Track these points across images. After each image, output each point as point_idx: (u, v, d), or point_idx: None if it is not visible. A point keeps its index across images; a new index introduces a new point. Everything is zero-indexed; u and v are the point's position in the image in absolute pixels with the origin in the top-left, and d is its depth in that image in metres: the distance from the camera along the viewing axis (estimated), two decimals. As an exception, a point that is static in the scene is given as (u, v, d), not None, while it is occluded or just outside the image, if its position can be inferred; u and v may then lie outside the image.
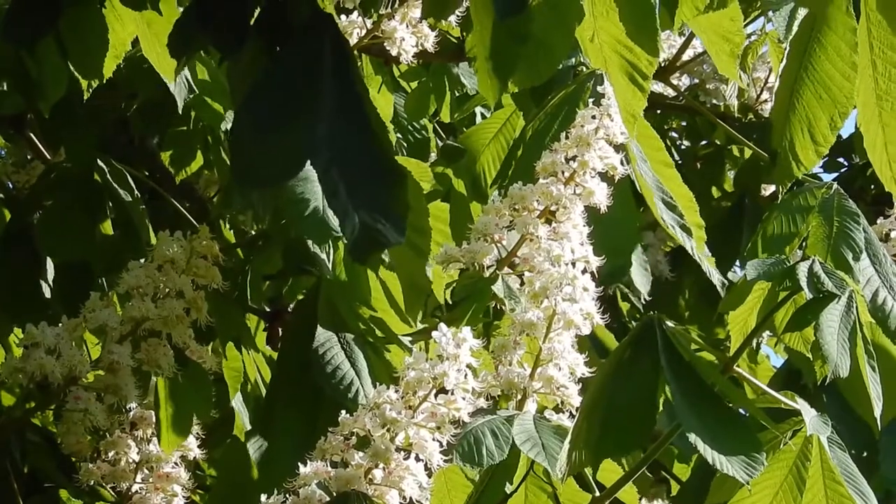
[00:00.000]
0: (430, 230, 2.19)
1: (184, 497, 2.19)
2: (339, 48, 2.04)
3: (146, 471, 2.19)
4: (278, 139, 1.96)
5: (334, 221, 1.85)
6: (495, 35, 1.93)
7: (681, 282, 3.63)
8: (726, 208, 3.58)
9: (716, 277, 2.39)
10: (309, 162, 1.91)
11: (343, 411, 1.85)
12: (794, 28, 2.10)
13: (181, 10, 2.23)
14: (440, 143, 2.91)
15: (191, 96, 2.55)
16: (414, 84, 2.83)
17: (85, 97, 2.43)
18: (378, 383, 1.87)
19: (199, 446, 2.22)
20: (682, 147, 3.78)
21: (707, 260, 2.40)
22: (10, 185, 3.01)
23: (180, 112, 2.51)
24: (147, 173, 2.97)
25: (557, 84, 2.46)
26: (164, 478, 2.19)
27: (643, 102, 2.01)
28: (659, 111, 3.53)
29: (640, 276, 2.75)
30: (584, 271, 2.02)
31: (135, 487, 2.18)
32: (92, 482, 2.16)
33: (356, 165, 1.94)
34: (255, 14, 2.04)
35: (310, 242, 2.31)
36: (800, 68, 2.02)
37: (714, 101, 3.47)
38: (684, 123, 3.76)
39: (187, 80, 2.54)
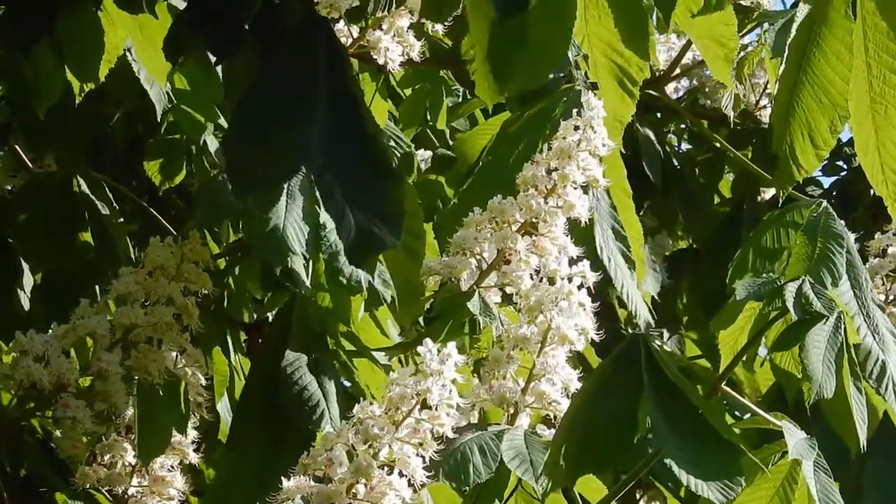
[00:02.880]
0: (425, 233, 2.16)
1: (180, 500, 2.18)
2: (333, 51, 2.04)
3: (142, 474, 2.18)
4: (273, 143, 1.96)
5: (293, 241, 1.85)
6: (493, 38, 1.91)
7: (679, 287, 3.62)
8: (724, 214, 3.56)
9: (642, 318, 2.36)
10: (304, 164, 1.90)
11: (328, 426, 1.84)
12: (786, 49, 2.07)
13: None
14: (427, 155, 2.90)
15: (169, 106, 2.54)
16: (409, 91, 2.82)
17: (77, 101, 2.42)
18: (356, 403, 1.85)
19: (195, 450, 2.21)
20: (681, 151, 3.76)
21: (644, 295, 2.37)
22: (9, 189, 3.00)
23: (158, 119, 2.50)
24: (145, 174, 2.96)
25: (547, 93, 2.44)
26: (160, 481, 2.19)
27: (631, 108, 2.00)
28: (658, 114, 3.52)
29: (649, 279, 2.73)
30: (580, 287, 2.00)
31: (131, 491, 2.18)
32: (88, 485, 2.16)
33: (351, 168, 1.95)
34: (250, 18, 2.02)
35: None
36: (799, 72, 2.01)
37: (713, 104, 3.45)
38: (683, 126, 3.74)
39: (167, 93, 2.53)
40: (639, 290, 2.36)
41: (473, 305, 2.07)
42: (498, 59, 1.93)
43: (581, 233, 2.10)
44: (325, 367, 2.20)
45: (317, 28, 2.05)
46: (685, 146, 3.81)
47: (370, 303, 2.19)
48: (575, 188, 2.13)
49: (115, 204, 2.56)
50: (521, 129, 2.38)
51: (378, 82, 2.53)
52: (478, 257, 2.12)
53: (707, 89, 3.51)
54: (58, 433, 2.17)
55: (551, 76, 2.40)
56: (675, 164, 3.46)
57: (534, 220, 2.12)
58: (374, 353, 2.25)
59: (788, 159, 2.04)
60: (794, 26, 2.03)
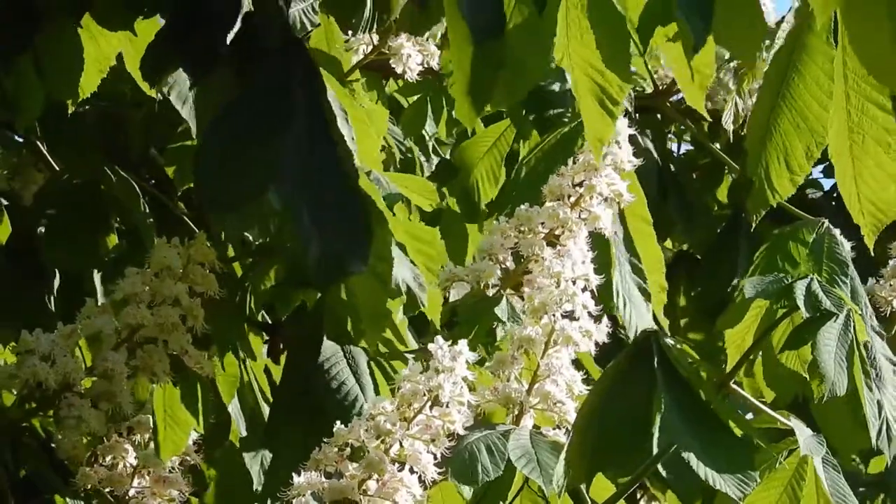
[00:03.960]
0: (393, 258, 2.14)
1: (181, 501, 2.18)
2: (309, 74, 2.02)
3: (143, 475, 2.18)
4: (244, 164, 1.94)
5: None
6: (473, 60, 1.92)
7: (677, 290, 3.61)
8: (723, 219, 3.57)
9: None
10: (274, 186, 1.90)
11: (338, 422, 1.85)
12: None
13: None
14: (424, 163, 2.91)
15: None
16: (411, 99, 2.83)
17: (70, 111, 2.42)
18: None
19: (196, 451, 2.21)
20: (681, 154, 3.76)
21: (662, 321, 2.39)
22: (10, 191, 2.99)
23: (194, 136, 2.49)
24: (152, 177, 2.96)
25: (555, 105, 2.46)
26: (162, 482, 2.18)
27: (612, 129, 2.00)
28: (659, 115, 3.51)
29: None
30: (584, 289, 2.02)
31: (132, 492, 2.18)
32: (89, 486, 2.15)
33: (321, 192, 1.93)
34: (228, 39, 2.02)
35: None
36: (777, 97, 1.99)
37: (713, 105, 3.44)
38: (683, 126, 3.73)
39: None
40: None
41: (501, 310, 2.10)
42: (476, 82, 1.93)
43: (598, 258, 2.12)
44: (361, 361, 2.22)
45: (294, 51, 2.04)
46: (686, 147, 3.80)
47: (408, 307, 2.20)
48: (600, 202, 2.17)
49: (143, 201, 2.55)
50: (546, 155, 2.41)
51: (380, 94, 2.54)
52: (503, 265, 2.16)
53: (707, 90, 3.50)
54: (59, 434, 2.17)
55: (557, 88, 2.43)
56: (673, 169, 3.46)
57: (558, 230, 2.16)
58: (405, 355, 2.27)
59: (763, 183, 2.02)
60: (772, 52, 2.03)
